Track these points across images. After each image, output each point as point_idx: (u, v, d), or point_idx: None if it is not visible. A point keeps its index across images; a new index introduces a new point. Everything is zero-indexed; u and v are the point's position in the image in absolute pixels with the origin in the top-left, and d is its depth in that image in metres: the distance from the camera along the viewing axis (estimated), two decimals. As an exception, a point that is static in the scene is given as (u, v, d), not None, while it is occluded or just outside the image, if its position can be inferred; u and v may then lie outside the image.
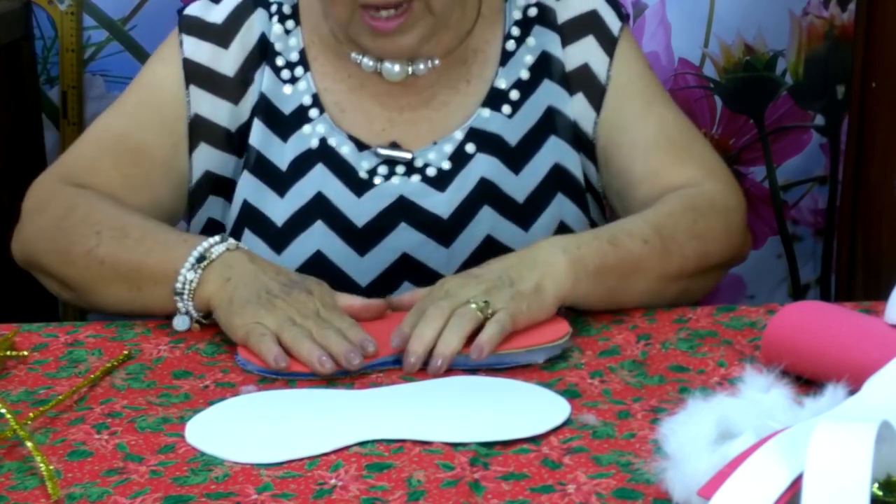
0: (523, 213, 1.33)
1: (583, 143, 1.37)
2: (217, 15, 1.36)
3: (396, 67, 1.33)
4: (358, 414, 1.01)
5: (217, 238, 1.18)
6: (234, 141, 1.35)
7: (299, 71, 1.35)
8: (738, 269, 1.94)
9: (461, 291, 1.11)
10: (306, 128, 1.34)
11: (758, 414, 0.85)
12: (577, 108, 1.36)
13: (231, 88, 1.35)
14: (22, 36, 1.82)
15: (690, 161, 1.34)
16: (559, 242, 1.18)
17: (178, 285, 1.16)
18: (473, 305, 1.09)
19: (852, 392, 0.88)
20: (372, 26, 1.25)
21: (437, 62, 1.34)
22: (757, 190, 1.92)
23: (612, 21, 1.37)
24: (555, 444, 0.95)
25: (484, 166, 1.33)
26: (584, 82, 1.37)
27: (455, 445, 0.94)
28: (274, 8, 1.37)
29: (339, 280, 1.29)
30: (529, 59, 1.36)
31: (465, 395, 1.04)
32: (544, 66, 1.37)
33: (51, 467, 0.90)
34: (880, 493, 0.75)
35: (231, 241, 1.18)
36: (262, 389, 1.06)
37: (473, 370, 1.08)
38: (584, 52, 1.37)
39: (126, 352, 1.13)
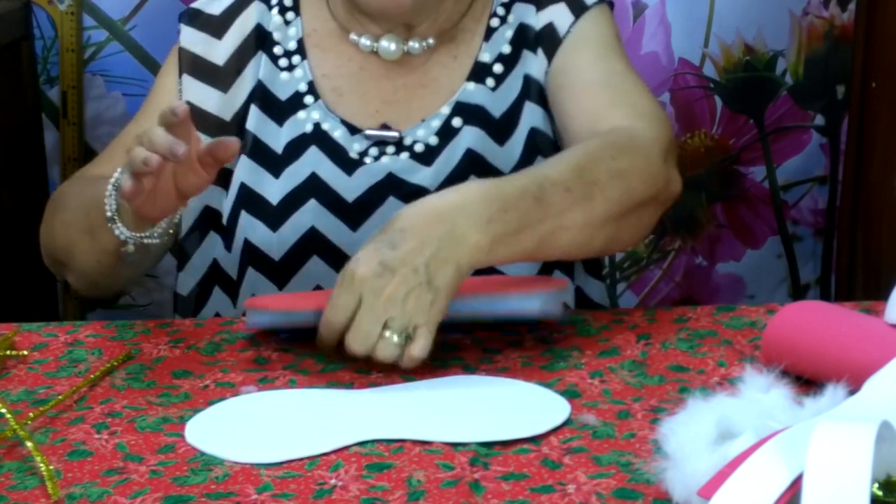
0: None
1: (543, 97, 1.39)
2: (217, 7, 1.42)
3: (392, 45, 1.37)
4: (358, 414, 1.01)
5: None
6: (230, 130, 1.38)
7: (296, 59, 1.40)
8: (738, 268, 1.95)
9: (375, 302, 1.05)
10: (301, 113, 1.38)
11: (758, 414, 0.85)
12: (538, 65, 1.39)
13: (220, 77, 1.40)
14: (22, 36, 1.82)
15: (625, 106, 1.31)
16: (482, 209, 1.09)
17: (108, 214, 1.17)
18: (395, 339, 1.05)
19: (852, 392, 0.88)
20: None
21: (431, 42, 1.38)
22: (757, 190, 1.92)
23: None
24: (555, 444, 0.95)
25: (470, 138, 1.36)
26: (545, 39, 1.39)
27: (455, 445, 0.94)
28: (274, 0, 1.42)
29: (334, 254, 1.32)
30: (509, 33, 1.40)
31: (465, 395, 1.04)
32: (522, 38, 1.40)
33: (51, 467, 0.90)
34: (880, 493, 0.75)
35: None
36: (262, 389, 1.06)
37: (472, 369, 1.09)
38: (552, 15, 1.39)
39: (126, 351, 1.13)
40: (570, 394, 1.03)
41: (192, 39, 1.41)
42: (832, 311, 1.06)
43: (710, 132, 1.88)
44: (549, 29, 1.39)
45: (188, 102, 1.37)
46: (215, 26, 1.41)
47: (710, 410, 0.85)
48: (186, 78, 1.39)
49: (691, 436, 0.83)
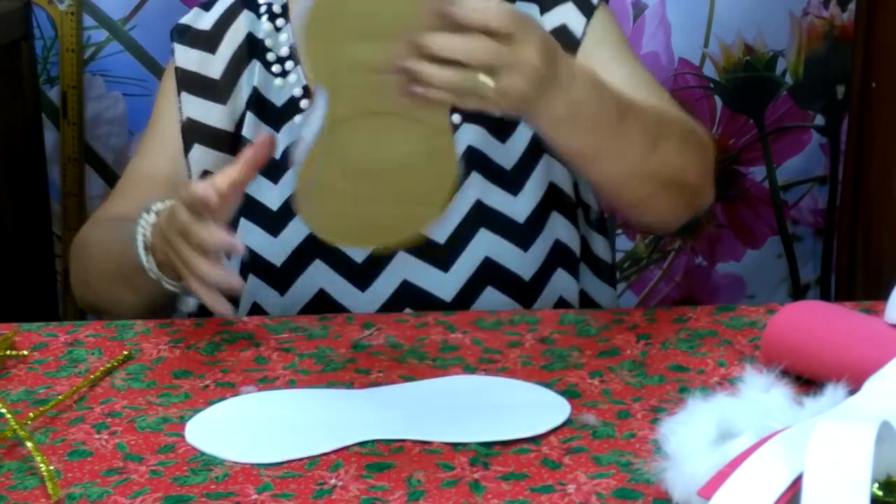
0: (512, 180, 1.34)
1: None
2: (206, 22, 1.42)
3: None
4: (358, 414, 1.01)
5: (145, 214, 1.19)
6: (232, 142, 1.38)
7: (289, 65, 1.39)
8: (738, 268, 1.95)
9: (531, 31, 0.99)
10: (298, 118, 1.37)
11: (758, 414, 0.85)
12: None
13: (218, 90, 1.39)
14: (22, 36, 1.82)
15: (662, 102, 1.30)
16: (586, 91, 1.06)
17: (153, 275, 1.18)
18: (484, 78, 0.96)
19: (852, 392, 0.88)
20: None
21: None
22: (757, 190, 1.92)
23: None
24: (555, 444, 0.95)
25: (470, 135, 1.35)
26: (560, 40, 1.36)
27: (455, 445, 0.94)
28: (263, 8, 1.42)
29: (335, 256, 1.31)
30: None
31: (465, 395, 1.04)
32: None
33: (51, 467, 0.90)
34: (880, 493, 0.75)
35: (155, 208, 1.19)
36: (262, 389, 1.06)
37: (472, 369, 1.09)
38: (562, 16, 1.38)
39: (126, 352, 1.13)
40: (570, 394, 1.03)
41: (186, 57, 1.40)
42: (832, 311, 1.06)
43: (710, 132, 1.88)
44: (563, 30, 1.38)
45: (187, 118, 1.38)
46: (207, 41, 1.40)
47: (710, 410, 0.85)
48: (185, 96, 1.39)
49: (691, 436, 0.83)
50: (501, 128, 1.36)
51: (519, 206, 1.33)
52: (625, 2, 1.84)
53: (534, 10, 1.39)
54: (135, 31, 1.82)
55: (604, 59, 1.35)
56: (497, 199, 1.33)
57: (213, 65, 1.39)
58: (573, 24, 1.38)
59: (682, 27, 1.85)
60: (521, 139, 1.37)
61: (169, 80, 1.42)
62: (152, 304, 1.26)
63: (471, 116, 1.36)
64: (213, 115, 1.38)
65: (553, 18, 1.39)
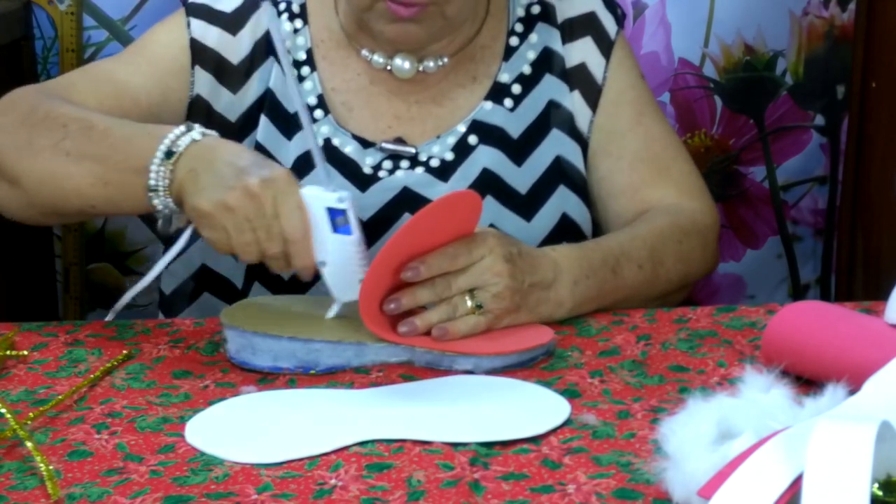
0: (526, 205, 1.34)
1: (578, 138, 1.39)
2: (226, 5, 1.38)
3: (407, 64, 1.35)
4: (358, 414, 1.01)
5: (182, 128, 1.14)
6: (232, 132, 1.35)
7: (306, 70, 1.37)
8: (738, 268, 1.95)
9: (485, 271, 1.13)
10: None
11: (758, 414, 0.85)
12: (575, 102, 1.39)
13: (232, 76, 1.36)
14: (22, 36, 1.82)
15: (669, 180, 1.38)
16: (573, 271, 1.20)
17: (152, 182, 1.12)
18: (470, 303, 1.12)
19: (852, 392, 0.88)
20: (392, 10, 1.27)
21: (446, 60, 1.36)
22: (757, 190, 1.92)
23: (609, 25, 1.41)
24: (555, 444, 0.95)
25: (486, 157, 1.34)
26: (581, 80, 1.40)
27: (455, 445, 0.94)
28: (283, 6, 1.39)
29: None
30: (532, 54, 1.39)
31: (465, 395, 1.05)
32: (546, 62, 1.39)
33: (51, 467, 0.90)
34: (880, 493, 0.75)
35: (196, 130, 1.15)
36: (262, 389, 1.06)
37: (468, 371, 1.09)
38: (583, 52, 1.40)
39: (126, 351, 1.13)
40: (570, 394, 1.03)
41: (204, 33, 1.35)
42: (832, 311, 1.06)
43: (710, 132, 1.88)
44: (583, 71, 1.39)
45: (198, 95, 1.34)
46: (228, 23, 1.36)
47: (710, 410, 0.85)
48: (199, 71, 1.34)
49: (691, 436, 0.83)
50: (518, 151, 1.36)
51: (532, 232, 1.33)
52: (625, 2, 1.84)
53: (556, 37, 1.39)
54: (135, 31, 1.82)
55: (621, 128, 1.39)
56: (510, 223, 1.33)
57: (233, 47, 1.35)
58: (593, 66, 1.39)
59: (682, 27, 1.85)
60: (537, 164, 1.36)
61: (178, 23, 1.36)
62: (95, 207, 1.19)
63: (487, 138, 1.35)
64: (221, 100, 1.35)
65: (573, 53, 1.39)
